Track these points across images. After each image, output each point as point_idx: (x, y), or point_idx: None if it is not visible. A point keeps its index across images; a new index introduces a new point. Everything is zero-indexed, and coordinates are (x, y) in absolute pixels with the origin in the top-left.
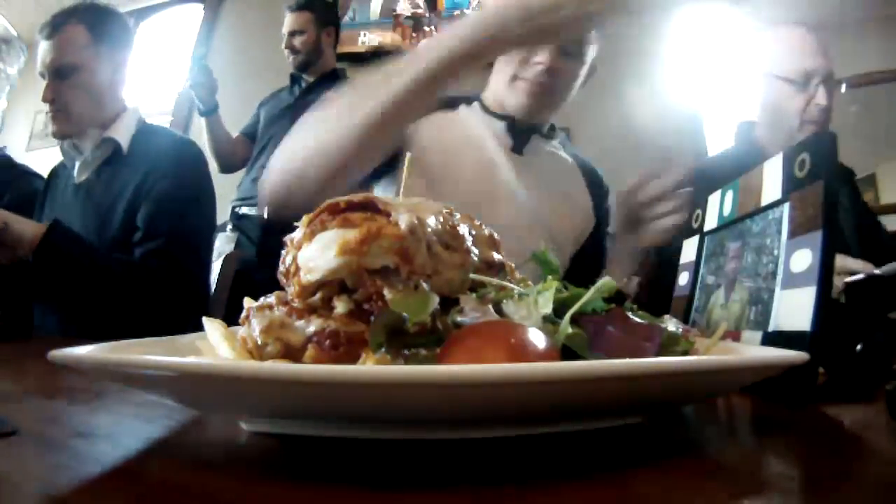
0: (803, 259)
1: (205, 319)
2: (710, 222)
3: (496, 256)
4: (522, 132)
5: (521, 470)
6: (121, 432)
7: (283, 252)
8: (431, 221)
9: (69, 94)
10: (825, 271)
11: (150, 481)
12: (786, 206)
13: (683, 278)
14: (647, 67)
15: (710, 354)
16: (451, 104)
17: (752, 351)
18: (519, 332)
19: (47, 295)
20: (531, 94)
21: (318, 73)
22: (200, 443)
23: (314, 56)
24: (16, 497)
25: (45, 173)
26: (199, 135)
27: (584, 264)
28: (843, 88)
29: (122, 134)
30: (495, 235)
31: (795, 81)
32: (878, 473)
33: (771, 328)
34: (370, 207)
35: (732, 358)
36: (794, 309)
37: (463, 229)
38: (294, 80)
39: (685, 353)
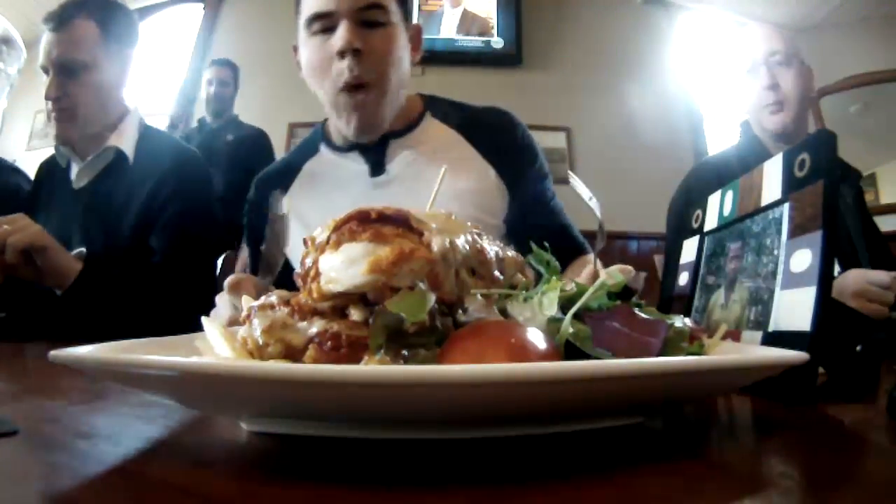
0: (803, 259)
1: (203, 319)
2: (710, 222)
3: (522, 280)
4: (375, 150)
5: (520, 470)
6: (121, 432)
7: (303, 252)
8: (461, 243)
9: (76, 93)
10: (825, 271)
11: (150, 481)
12: (786, 206)
13: (683, 278)
14: (647, 67)
15: (711, 354)
16: (295, 167)
17: (752, 351)
18: (519, 332)
19: (69, 320)
20: (356, 106)
21: (223, 120)
22: (200, 443)
23: (229, 105)
24: (16, 497)
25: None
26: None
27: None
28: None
29: (126, 141)
30: (519, 258)
31: (749, 71)
32: (878, 473)
33: (771, 328)
34: (402, 223)
35: (732, 358)
36: (794, 309)
37: (490, 253)
38: (201, 123)
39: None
